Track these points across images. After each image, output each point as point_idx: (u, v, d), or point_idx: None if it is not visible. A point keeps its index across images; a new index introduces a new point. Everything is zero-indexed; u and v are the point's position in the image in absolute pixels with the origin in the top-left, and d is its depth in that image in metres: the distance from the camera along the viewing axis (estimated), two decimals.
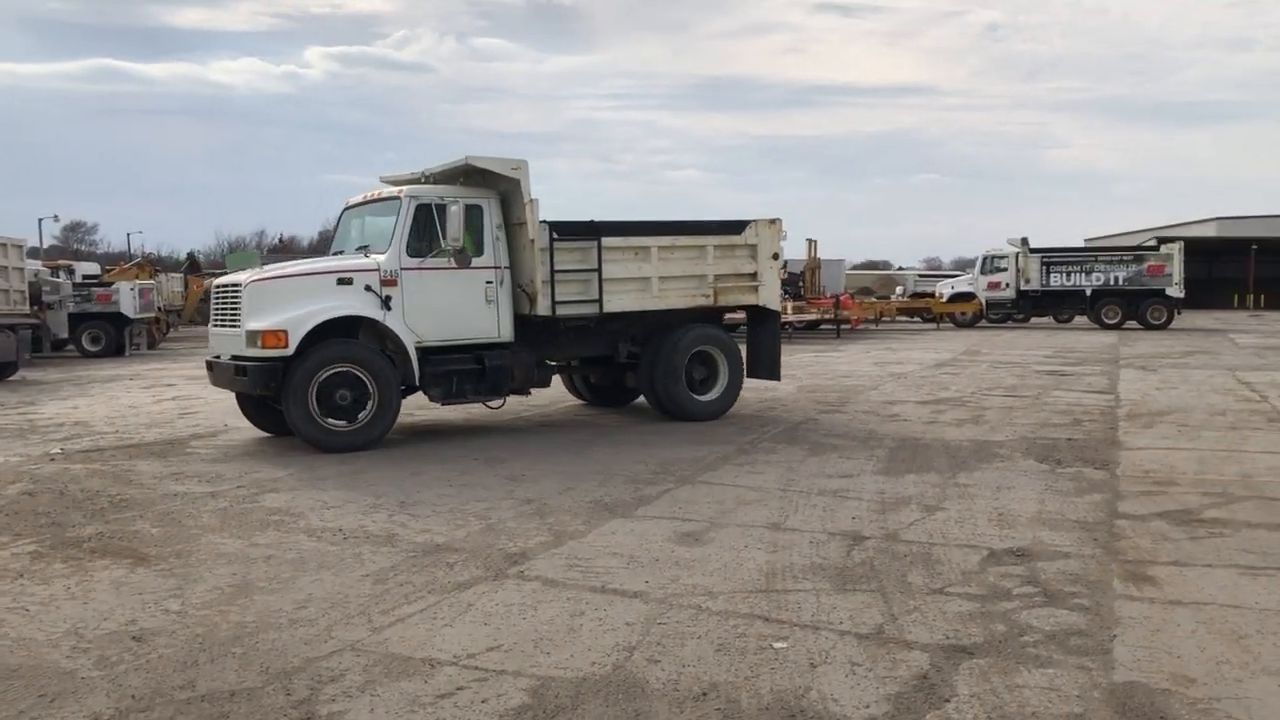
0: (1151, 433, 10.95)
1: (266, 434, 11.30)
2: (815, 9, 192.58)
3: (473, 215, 10.84)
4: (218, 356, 10.72)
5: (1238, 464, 9.02)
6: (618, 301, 11.66)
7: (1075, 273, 37.71)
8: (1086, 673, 4.32)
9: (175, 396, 15.66)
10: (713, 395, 12.58)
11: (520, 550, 6.37)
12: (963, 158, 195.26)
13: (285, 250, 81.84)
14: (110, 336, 26.44)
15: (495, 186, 11.19)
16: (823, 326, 32.85)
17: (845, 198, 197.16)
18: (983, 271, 37.91)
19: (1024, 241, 37.57)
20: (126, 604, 5.39)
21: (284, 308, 10.04)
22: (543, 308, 11.12)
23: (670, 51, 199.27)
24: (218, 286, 11.03)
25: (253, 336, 9.94)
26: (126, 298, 26.44)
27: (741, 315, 13.55)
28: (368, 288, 10.32)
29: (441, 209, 10.49)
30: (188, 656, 4.61)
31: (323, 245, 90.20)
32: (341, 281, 10.33)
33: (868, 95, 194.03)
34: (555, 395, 13.96)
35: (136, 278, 30.48)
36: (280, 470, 9.10)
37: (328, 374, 10.03)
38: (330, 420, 10.10)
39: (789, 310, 32.64)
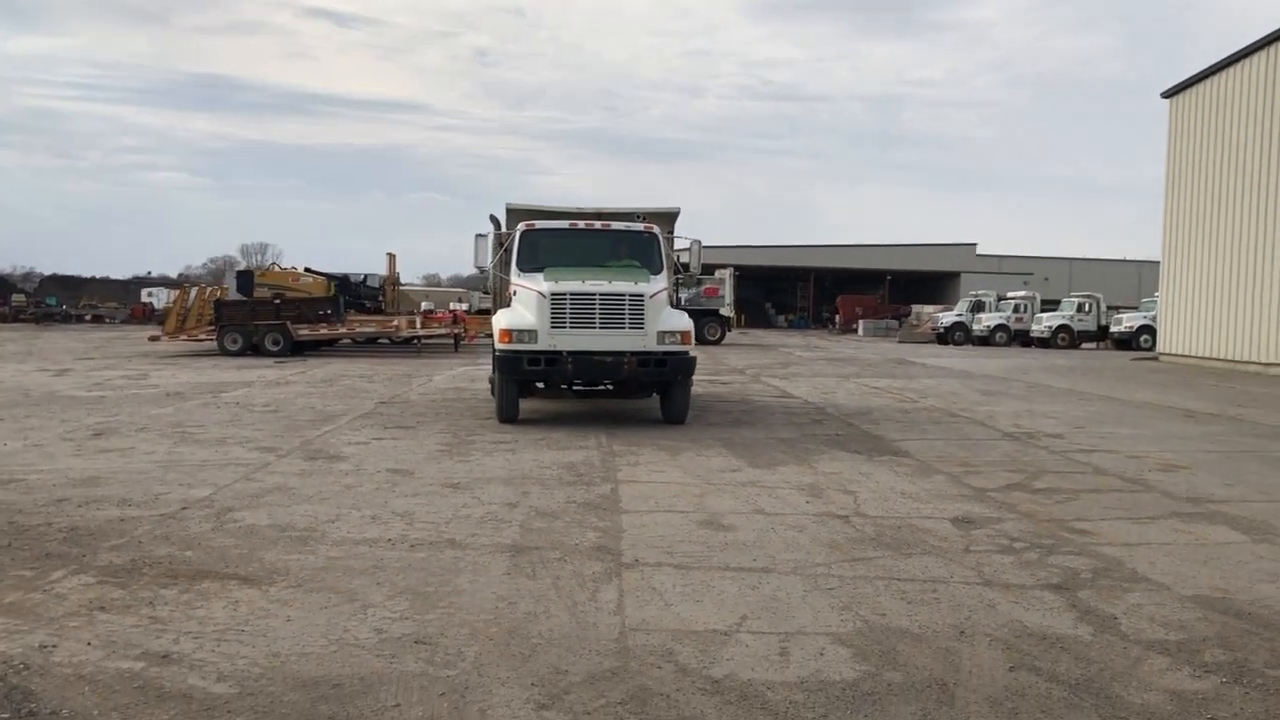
0: (889, 428, 13.21)
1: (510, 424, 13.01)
2: (305, 13, 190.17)
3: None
4: (561, 353, 12.51)
5: (988, 451, 11.36)
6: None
7: None
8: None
9: None
10: None
11: (594, 544, 6.66)
12: (458, 179, 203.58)
13: None
14: None
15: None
16: (427, 341, 33.01)
17: (342, 211, 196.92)
18: None
19: None
20: (361, 626, 5.03)
21: (665, 315, 13.03)
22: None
23: (146, 43, 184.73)
24: (577, 294, 12.59)
25: (667, 335, 12.76)
26: None
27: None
28: (669, 302, 13.70)
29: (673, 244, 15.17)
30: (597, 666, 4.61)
31: None
32: (668, 299, 13.62)
33: (360, 108, 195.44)
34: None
35: None
36: (198, 488, 8.20)
37: None
38: None
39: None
